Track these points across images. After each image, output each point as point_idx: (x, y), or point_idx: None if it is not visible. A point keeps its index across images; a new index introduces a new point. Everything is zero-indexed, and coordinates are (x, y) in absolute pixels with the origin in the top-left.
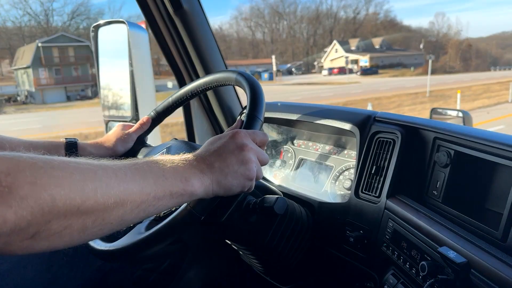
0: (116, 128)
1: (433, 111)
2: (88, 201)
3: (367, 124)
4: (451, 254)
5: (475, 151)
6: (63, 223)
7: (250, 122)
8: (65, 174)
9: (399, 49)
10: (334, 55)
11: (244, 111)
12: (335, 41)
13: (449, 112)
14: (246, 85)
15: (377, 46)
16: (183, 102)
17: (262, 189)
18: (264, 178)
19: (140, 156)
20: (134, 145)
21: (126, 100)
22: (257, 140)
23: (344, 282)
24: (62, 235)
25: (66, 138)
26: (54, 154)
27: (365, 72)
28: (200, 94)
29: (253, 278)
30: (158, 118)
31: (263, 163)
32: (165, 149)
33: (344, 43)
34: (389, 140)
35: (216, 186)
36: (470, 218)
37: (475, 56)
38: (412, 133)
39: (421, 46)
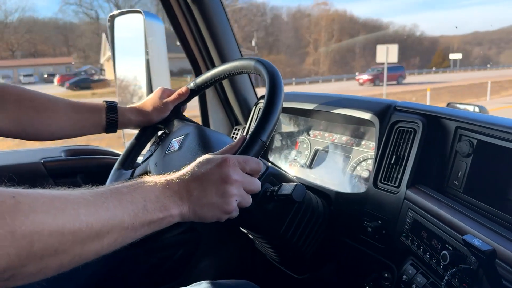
0: (154, 95)
1: (449, 105)
2: (67, 243)
3: (387, 113)
4: (477, 242)
5: (499, 140)
6: (40, 265)
7: (249, 146)
8: (47, 218)
9: None
10: (108, 54)
11: (259, 102)
12: (103, 34)
13: (466, 107)
14: (267, 80)
15: (178, 44)
16: (220, 79)
17: (280, 176)
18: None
19: (175, 128)
20: (170, 114)
21: (142, 89)
22: (247, 169)
23: (361, 273)
24: (37, 275)
25: (106, 101)
26: (95, 117)
27: (76, 84)
28: (235, 75)
29: (268, 267)
30: (197, 89)
31: (251, 192)
32: (182, 136)
33: None
34: (409, 129)
35: (192, 214)
36: (493, 208)
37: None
38: (433, 123)
39: (253, 42)
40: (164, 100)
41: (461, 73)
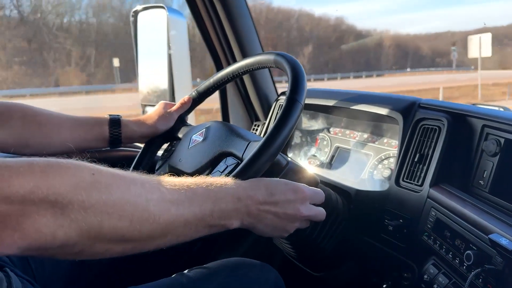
0: (158, 107)
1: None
2: (133, 231)
3: (411, 111)
4: (504, 241)
5: None
6: (106, 246)
7: (289, 109)
8: (119, 203)
9: None
10: None
11: (280, 98)
12: None
13: (491, 107)
14: (287, 66)
15: None
16: (223, 83)
17: (299, 172)
18: None
19: (180, 135)
20: (175, 124)
21: (163, 85)
22: (315, 201)
23: (380, 272)
24: (103, 255)
25: (110, 115)
26: (98, 131)
27: None
28: (240, 76)
29: (285, 263)
30: (199, 98)
31: (314, 220)
32: (204, 129)
33: None
34: (434, 127)
35: (250, 226)
36: None
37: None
38: (459, 120)
39: None
40: (168, 110)
41: None
